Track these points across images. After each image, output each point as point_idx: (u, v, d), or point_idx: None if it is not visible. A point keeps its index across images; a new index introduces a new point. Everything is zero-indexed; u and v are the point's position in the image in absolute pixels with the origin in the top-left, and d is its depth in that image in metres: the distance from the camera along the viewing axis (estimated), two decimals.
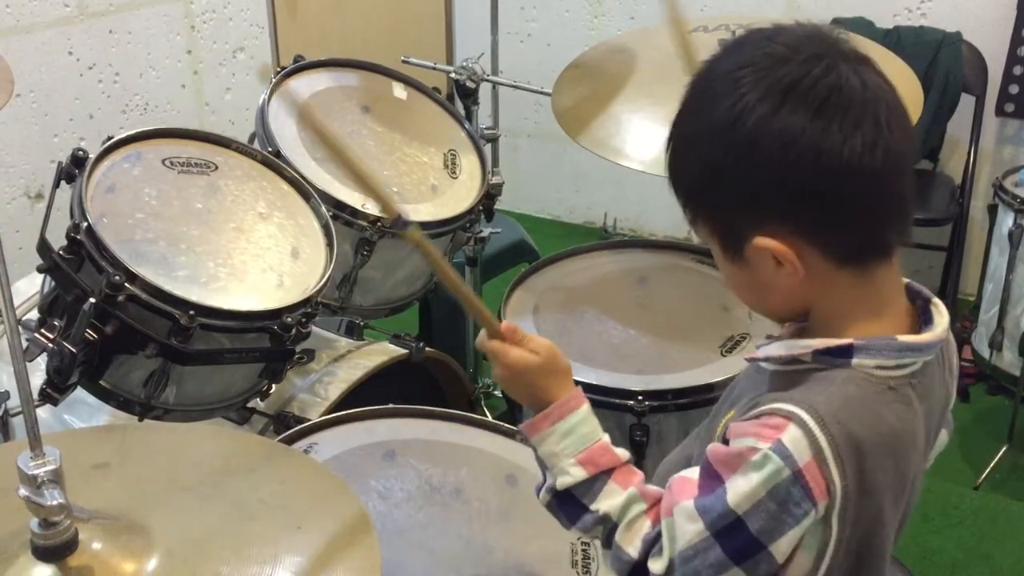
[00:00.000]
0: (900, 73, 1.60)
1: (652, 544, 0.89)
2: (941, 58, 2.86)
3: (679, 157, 0.89)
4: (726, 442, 0.89)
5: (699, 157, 0.87)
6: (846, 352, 0.87)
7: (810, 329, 0.94)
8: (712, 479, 0.86)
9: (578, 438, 0.96)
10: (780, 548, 0.83)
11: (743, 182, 0.85)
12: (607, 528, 0.93)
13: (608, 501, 0.93)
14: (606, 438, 0.97)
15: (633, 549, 0.90)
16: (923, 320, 0.93)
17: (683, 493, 0.88)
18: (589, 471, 0.94)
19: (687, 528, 0.85)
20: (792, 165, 0.83)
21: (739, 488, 0.83)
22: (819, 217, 0.86)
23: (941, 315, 0.92)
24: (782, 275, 0.87)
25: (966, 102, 2.92)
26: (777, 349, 0.92)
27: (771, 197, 0.85)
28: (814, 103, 0.82)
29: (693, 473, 0.89)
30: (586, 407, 0.98)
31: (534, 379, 0.98)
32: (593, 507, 0.93)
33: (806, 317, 0.94)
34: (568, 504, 0.95)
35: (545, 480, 0.97)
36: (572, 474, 0.94)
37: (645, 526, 0.91)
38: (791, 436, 0.82)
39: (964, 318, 2.80)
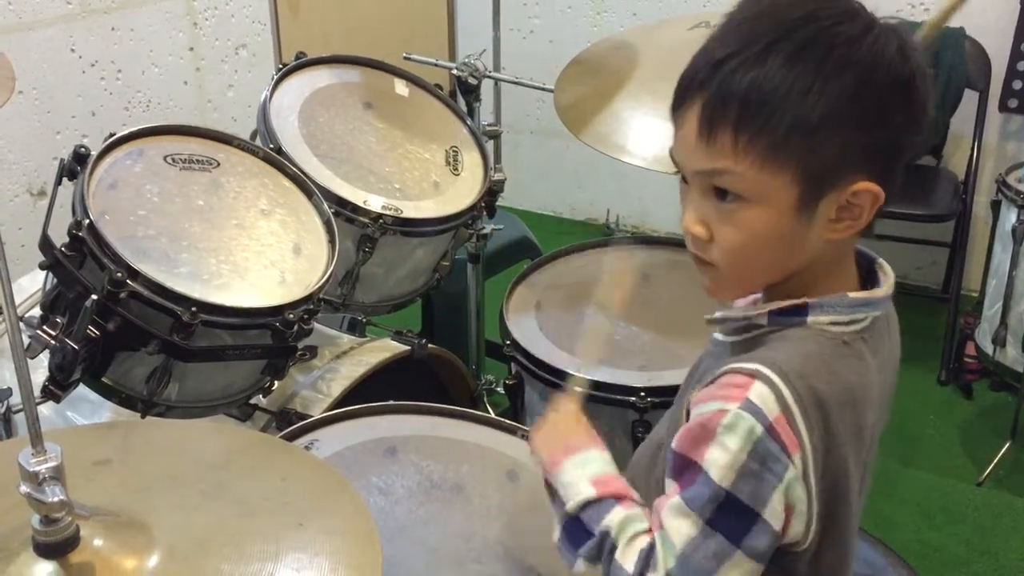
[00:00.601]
0: None
1: (648, 558, 0.87)
2: (944, 54, 2.85)
3: (794, 91, 0.83)
4: (688, 414, 0.89)
5: (829, 95, 0.83)
6: (801, 311, 0.89)
7: (775, 294, 0.94)
8: (688, 468, 0.86)
9: (595, 466, 0.97)
10: (775, 513, 0.84)
11: (871, 126, 0.85)
12: (607, 549, 0.91)
13: (609, 518, 0.92)
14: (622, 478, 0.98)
15: (630, 564, 0.88)
16: (869, 281, 0.95)
17: (665, 500, 0.88)
18: (599, 491, 0.94)
19: (680, 525, 0.85)
20: (915, 116, 0.87)
21: (718, 461, 0.83)
22: (895, 171, 0.88)
23: (886, 274, 0.94)
24: (828, 230, 0.88)
25: (969, 98, 2.92)
26: (734, 311, 0.93)
27: (889, 146, 0.87)
28: (923, 64, 0.87)
29: (669, 487, 0.89)
30: (607, 453, 1.00)
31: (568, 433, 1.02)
32: (596, 529, 0.92)
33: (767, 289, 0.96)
34: (576, 530, 0.94)
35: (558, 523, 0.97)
36: (584, 493, 0.94)
37: (643, 542, 0.89)
38: (758, 392, 0.83)
39: (967, 314, 2.80)
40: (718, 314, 0.95)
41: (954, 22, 2.91)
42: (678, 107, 0.90)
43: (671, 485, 0.88)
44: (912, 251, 3.18)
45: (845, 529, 0.91)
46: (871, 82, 0.84)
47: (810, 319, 0.89)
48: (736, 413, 0.83)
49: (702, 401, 0.87)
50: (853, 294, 0.91)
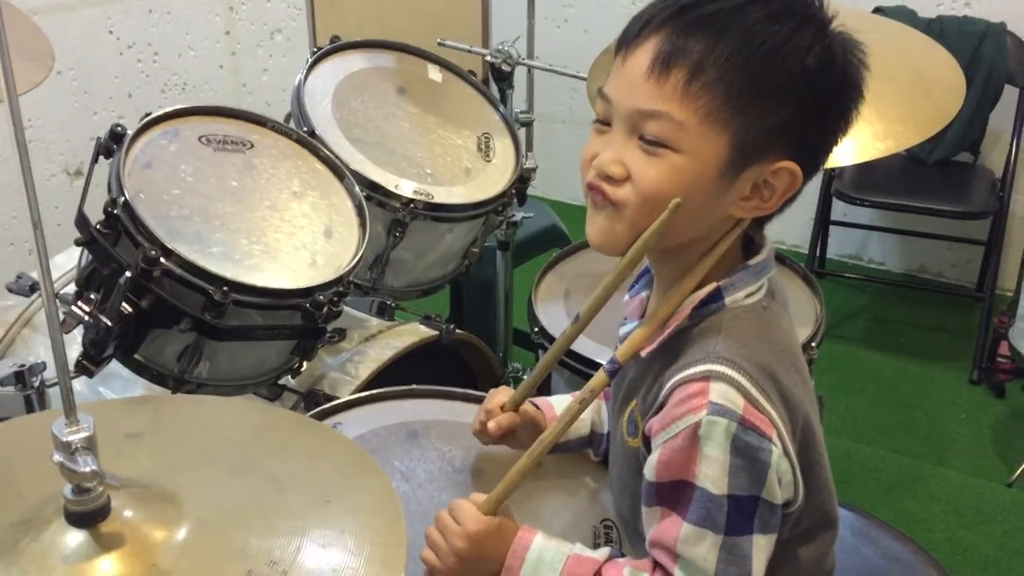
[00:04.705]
0: (943, 63, 1.57)
1: None
2: (984, 49, 2.81)
3: (760, 51, 0.82)
4: (647, 441, 0.88)
5: (790, 66, 0.83)
6: (716, 296, 0.89)
7: (664, 281, 0.94)
8: (679, 492, 0.85)
9: (548, 566, 0.93)
10: (772, 493, 0.85)
11: (813, 114, 0.85)
12: None
13: None
14: (576, 548, 0.95)
15: None
16: (745, 243, 0.94)
17: (669, 533, 0.86)
18: None
19: (702, 551, 0.84)
20: (844, 125, 0.88)
21: (711, 473, 0.83)
22: (813, 171, 0.89)
23: (758, 231, 0.94)
24: (737, 205, 0.88)
25: (1009, 94, 2.87)
26: (658, 332, 0.92)
27: (819, 141, 0.88)
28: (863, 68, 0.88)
29: (660, 518, 0.87)
30: (537, 538, 0.96)
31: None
32: None
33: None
34: None
35: None
36: None
37: None
38: (718, 391, 0.83)
39: (1001, 313, 2.76)
40: (656, 345, 0.92)
41: (995, 16, 2.87)
42: (630, 40, 0.87)
43: (664, 514, 0.87)
44: (947, 248, 3.13)
45: (821, 479, 0.92)
46: (828, 73, 0.84)
47: (727, 300, 0.89)
48: (708, 420, 0.82)
49: (664, 426, 0.85)
50: (752, 262, 0.91)
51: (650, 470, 0.87)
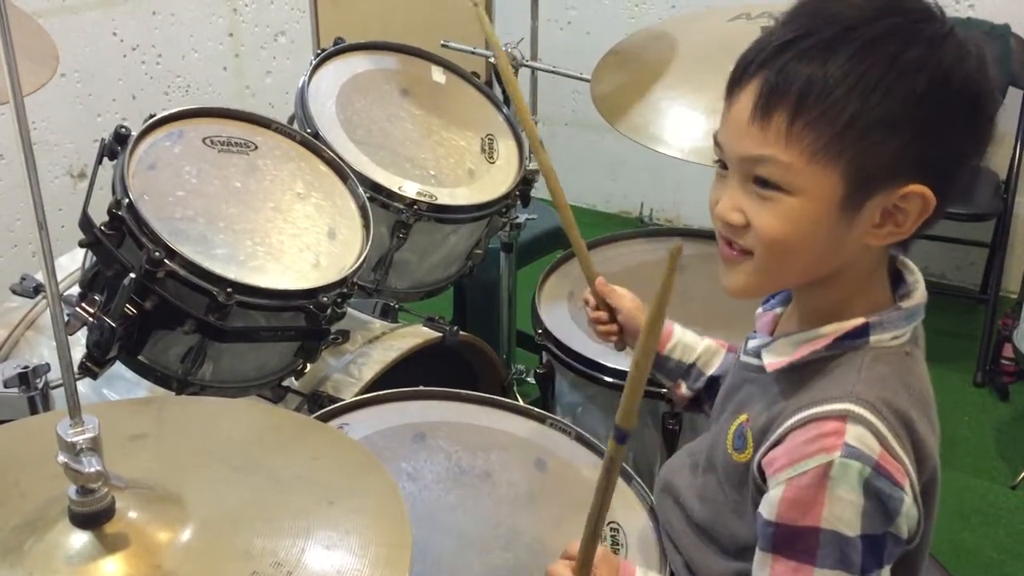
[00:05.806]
0: None
1: None
2: (989, 50, 2.81)
3: (860, 85, 0.79)
4: (762, 473, 0.86)
5: (897, 96, 0.79)
6: (862, 332, 0.87)
7: (806, 305, 0.92)
8: (803, 536, 0.82)
9: None
10: (899, 530, 0.83)
11: (934, 136, 0.81)
12: None
13: None
14: None
15: None
16: (894, 279, 0.92)
17: None
18: None
19: None
20: (980, 137, 0.84)
21: (843, 516, 0.81)
22: (950, 186, 0.84)
23: (913, 272, 0.92)
24: (870, 234, 0.85)
25: (1013, 96, 2.87)
26: (790, 352, 0.89)
27: (947, 159, 0.83)
28: (996, 87, 0.84)
29: (772, 563, 0.85)
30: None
31: None
32: None
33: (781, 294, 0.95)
34: None
35: None
36: None
37: None
38: (855, 435, 0.81)
39: (1005, 316, 2.76)
40: (773, 362, 0.91)
41: (999, 18, 2.87)
42: (734, 87, 0.86)
43: (778, 561, 0.84)
44: (951, 250, 3.13)
45: (926, 532, 0.90)
46: (944, 90, 0.80)
47: (872, 339, 0.86)
48: (841, 463, 0.80)
49: (792, 463, 0.83)
50: (905, 304, 0.88)
51: (770, 507, 0.84)
